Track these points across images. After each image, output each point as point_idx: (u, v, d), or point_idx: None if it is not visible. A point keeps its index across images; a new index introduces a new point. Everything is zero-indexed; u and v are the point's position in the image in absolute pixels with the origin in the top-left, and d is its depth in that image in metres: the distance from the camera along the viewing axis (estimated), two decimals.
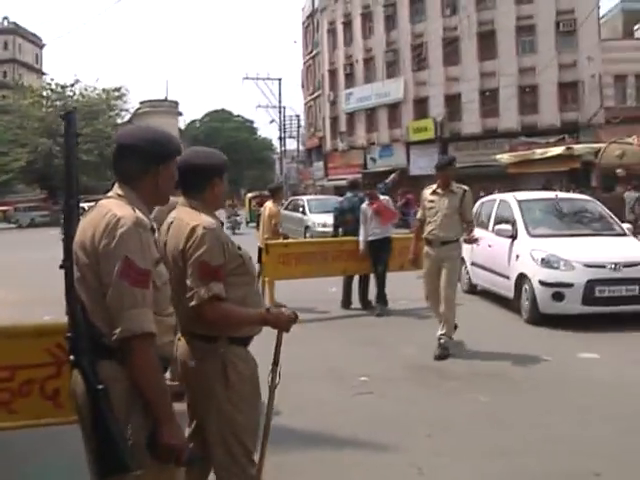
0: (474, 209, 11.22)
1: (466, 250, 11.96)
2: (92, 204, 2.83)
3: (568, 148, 31.42)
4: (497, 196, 13.55)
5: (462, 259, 11.60)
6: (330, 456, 5.13)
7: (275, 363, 3.61)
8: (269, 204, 12.02)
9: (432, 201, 8.69)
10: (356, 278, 11.85)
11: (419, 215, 9.07)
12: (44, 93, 64.02)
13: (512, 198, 12.16)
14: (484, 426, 5.86)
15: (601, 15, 45.31)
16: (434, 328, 9.92)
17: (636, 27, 47.75)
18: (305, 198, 26.22)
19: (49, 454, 5.11)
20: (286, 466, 4.11)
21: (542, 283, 9.93)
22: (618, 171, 27.68)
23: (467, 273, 13.01)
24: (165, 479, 2.71)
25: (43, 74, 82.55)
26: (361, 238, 11.37)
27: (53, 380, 4.42)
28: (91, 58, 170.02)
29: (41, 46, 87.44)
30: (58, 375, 4.38)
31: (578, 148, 31.69)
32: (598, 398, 6.57)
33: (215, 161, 3.56)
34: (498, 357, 8.15)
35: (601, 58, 42.11)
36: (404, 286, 12.69)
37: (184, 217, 3.41)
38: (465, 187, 8.69)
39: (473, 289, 12.97)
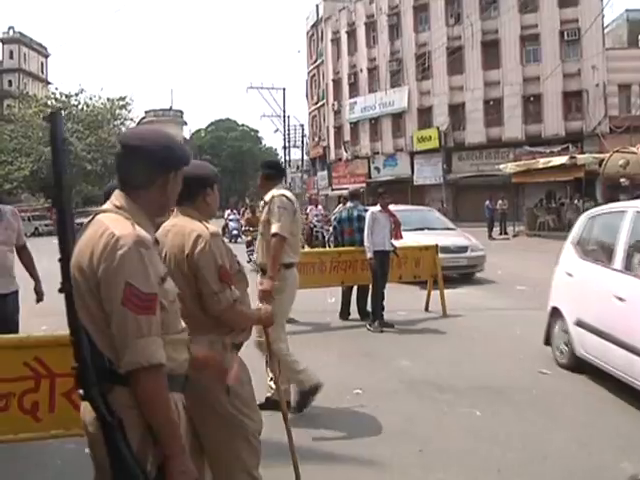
0: (576, 226, 8.43)
1: (565, 297, 8.15)
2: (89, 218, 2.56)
3: (572, 157, 31.32)
4: (627, 205, 7.83)
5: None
6: (319, 471, 5.01)
7: (271, 355, 4.03)
8: None
9: None
10: (355, 289, 11.73)
11: None
12: (48, 102, 64.18)
13: None
14: (478, 441, 5.73)
15: (605, 24, 45.31)
16: (432, 340, 9.88)
17: None
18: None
19: (27, 470, 5.00)
20: None
21: None
22: (622, 180, 27.55)
23: (566, 336, 7.83)
24: None
25: (48, 83, 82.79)
26: (370, 245, 10.64)
27: (31, 394, 4.31)
28: (96, 68, 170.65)
29: (46, 55, 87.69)
30: (37, 389, 4.29)
31: (582, 157, 31.59)
32: (597, 415, 6.43)
33: (206, 172, 3.74)
34: (497, 371, 8.02)
35: (606, 67, 42.10)
36: (403, 297, 12.63)
37: (185, 224, 3.53)
38: (276, 192, 6.35)
39: (577, 364, 7.64)
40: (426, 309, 12.03)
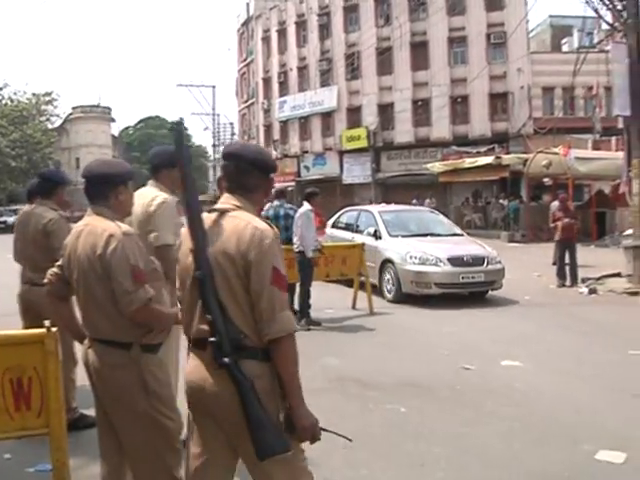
0: None
1: None
2: (214, 214, 3.04)
3: (497, 157, 31.95)
4: None
5: None
6: (244, 470, 4.98)
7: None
8: None
9: None
10: None
11: None
12: None
13: None
14: (403, 437, 5.79)
15: (530, 29, 46.28)
16: (359, 338, 9.93)
17: (563, 41, 48.88)
18: (375, 210, 15.59)
19: None
20: None
21: None
22: (545, 180, 28.24)
23: None
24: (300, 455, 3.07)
25: None
26: (310, 244, 10.74)
27: None
28: (21, 62, 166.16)
29: None
30: None
31: (507, 158, 32.25)
32: (519, 408, 6.56)
33: (119, 170, 3.70)
34: (422, 367, 8.12)
35: (530, 70, 42.96)
36: (330, 295, 12.68)
37: (97, 224, 3.47)
38: None
39: None
40: (353, 307, 12.11)
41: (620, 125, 16.50)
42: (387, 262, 13.40)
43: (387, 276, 13.38)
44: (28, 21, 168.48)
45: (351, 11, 49.94)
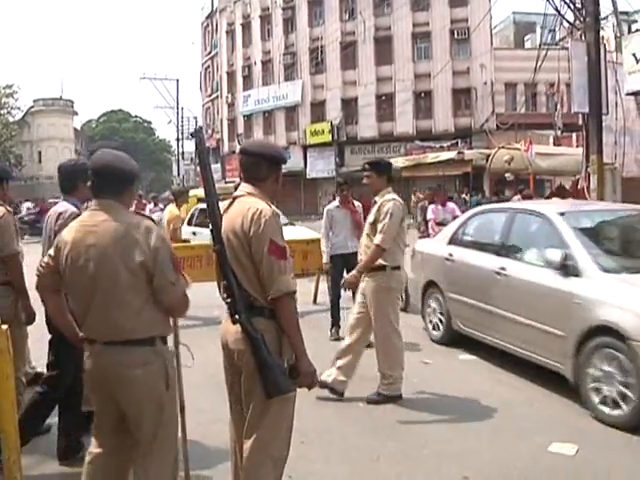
0: None
1: None
2: (228, 201, 3.73)
3: (460, 153, 32.16)
4: None
5: None
6: (201, 464, 4.99)
7: (176, 346, 4.11)
8: (170, 207, 11.65)
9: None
10: None
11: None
12: None
13: None
14: (360, 432, 5.82)
15: (494, 25, 46.67)
16: (319, 332, 9.89)
17: (526, 38, 49.32)
18: (553, 211, 7.31)
19: None
20: None
21: None
22: (507, 175, 28.42)
23: None
24: (290, 404, 3.68)
25: None
26: (326, 248, 9.68)
27: None
28: None
29: None
30: None
31: (469, 153, 32.49)
32: (474, 402, 6.63)
33: (135, 169, 3.71)
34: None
35: (493, 66, 43.38)
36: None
37: (130, 221, 3.49)
38: None
39: None
40: (314, 302, 12.10)
41: (580, 122, 16.68)
42: (601, 333, 5.94)
43: (601, 367, 5.94)
44: None
45: (316, 5, 50.01)
